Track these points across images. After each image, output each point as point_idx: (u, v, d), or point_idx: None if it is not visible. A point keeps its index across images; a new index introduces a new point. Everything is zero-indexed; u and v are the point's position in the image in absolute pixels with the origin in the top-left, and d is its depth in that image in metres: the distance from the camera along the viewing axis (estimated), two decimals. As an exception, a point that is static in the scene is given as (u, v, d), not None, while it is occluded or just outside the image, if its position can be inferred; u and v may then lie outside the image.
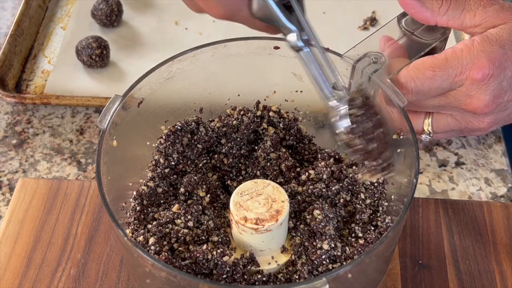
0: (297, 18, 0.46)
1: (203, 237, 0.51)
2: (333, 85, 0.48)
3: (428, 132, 0.55)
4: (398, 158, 0.53)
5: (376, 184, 0.52)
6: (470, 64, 0.49)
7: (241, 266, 0.48)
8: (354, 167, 0.54)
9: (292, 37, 0.46)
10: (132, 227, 0.51)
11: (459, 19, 0.50)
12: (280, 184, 0.53)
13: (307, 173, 0.54)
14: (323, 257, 0.49)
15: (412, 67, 0.50)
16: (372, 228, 0.51)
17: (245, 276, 0.48)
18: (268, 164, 0.55)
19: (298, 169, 0.55)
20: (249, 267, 0.49)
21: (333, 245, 0.49)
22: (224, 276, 0.48)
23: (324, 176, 0.53)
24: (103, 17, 0.80)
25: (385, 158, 0.46)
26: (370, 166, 0.47)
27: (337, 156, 0.55)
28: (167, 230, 0.50)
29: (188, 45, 0.56)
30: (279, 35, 0.50)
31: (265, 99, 0.58)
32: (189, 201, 0.53)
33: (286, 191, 0.51)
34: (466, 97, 0.50)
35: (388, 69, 0.50)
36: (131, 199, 0.53)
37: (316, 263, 0.49)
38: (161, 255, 0.48)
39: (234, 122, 0.56)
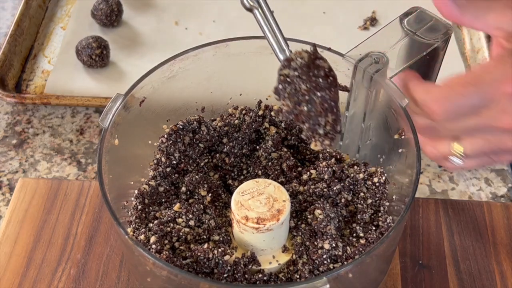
0: None
1: (204, 236, 0.51)
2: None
3: (459, 155, 0.51)
4: (399, 158, 0.53)
5: (377, 184, 0.52)
6: (504, 78, 0.46)
7: (242, 266, 0.48)
8: (355, 167, 0.54)
9: None
10: (133, 225, 0.51)
11: (483, 19, 0.48)
12: (282, 183, 0.53)
13: (308, 173, 0.54)
14: (324, 256, 0.49)
15: (442, 85, 0.47)
16: (373, 228, 0.51)
17: (246, 276, 0.48)
18: (270, 163, 0.55)
19: (300, 168, 0.55)
20: (250, 266, 0.49)
21: (334, 245, 0.49)
22: (225, 275, 0.48)
23: (326, 176, 0.53)
24: (103, 17, 0.80)
25: (325, 123, 0.44)
26: (307, 131, 0.45)
27: (338, 156, 0.55)
28: (168, 229, 0.50)
29: (188, 45, 0.56)
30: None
31: (267, 99, 0.58)
32: (190, 200, 0.53)
33: (288, 190, 0.51)
34: (501, 113, 0.47)
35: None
36: (132, 198, 0.53)
37: (317, 262, 0.49)
38: (162, 254, 0.48)
39: (236, 121, 0.56)
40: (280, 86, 0.45)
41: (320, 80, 0.43)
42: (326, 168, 0.53)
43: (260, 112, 0.57)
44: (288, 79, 0.44)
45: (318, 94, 0.43)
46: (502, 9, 0.48)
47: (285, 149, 0.56)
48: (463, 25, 0.48)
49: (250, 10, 0.46)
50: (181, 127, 0.55)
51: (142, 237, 0.49)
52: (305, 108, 0.44)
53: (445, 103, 0.47)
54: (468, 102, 0.47)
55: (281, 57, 0.45)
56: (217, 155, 0.56)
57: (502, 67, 0.47)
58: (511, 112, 0.47)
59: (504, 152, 0.50)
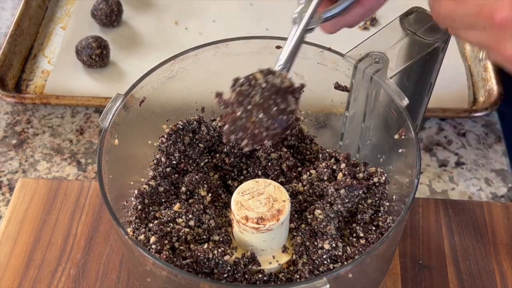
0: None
1: (204, 236, 0.51)
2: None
3: None
4: (399, 158, 0.53)
5: (377, 184, 0.52)
6: None
7: (242, 266, 0.48)
8: (356, 167, 0.54)
9: (297, 10, 0.47)
10: (133, 226, 0.51)
11: None
12: (282, 183, 0.53)
13: (308, 173, 0.54)
14: (324, 256, 0.49)
15: None
16: (373, 228, 0.51)
17: (246, 276, 0.48)
18: (270, 164, 0.55)
19: (300, 169, 0.55)
20: (250, 266, 0.49)
21: (334, 245, 0.49)
22: (225, 275, 0.48)
23: (325, 176, 0.53)
24: (103, 17, 0.80)
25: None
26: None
27: (338, 156, 0.55)
28: (168, 229, 0.50)
29: (188, 45, 0.56)
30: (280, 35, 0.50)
31: (266, 99, 0.58)
32: (190, 200, 0.53)
33: (288, 190, 0.51)
34: None
35: None
36: (132, 198, 0.53)
37: (317, 262, 0.49)
38: (162, 254, 0.48)
39: (236, 121, 0.56)
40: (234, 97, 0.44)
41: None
42: (326, 169, 0.53)
43: (260, 112, 0.57)
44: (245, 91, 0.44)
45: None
46: None
47: (285, 149, 0.56)
48: None
49: (293, 22, 0.47)
50: (181, 127, 0.55)
51: (142, 237, 0.49)
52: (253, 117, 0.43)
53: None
54: None
55: (277, 65, 0.46)
56: (217, 155, 0.56)
57: None
58: None
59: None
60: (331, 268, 0.49)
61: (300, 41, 0.47)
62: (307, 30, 0.47)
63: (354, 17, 0.49)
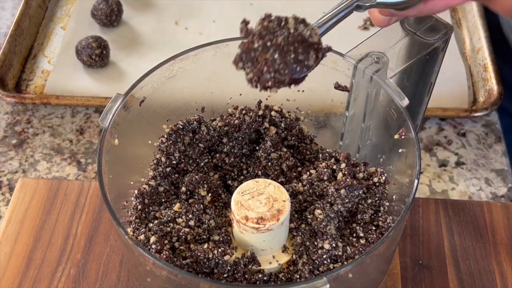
0: None
1: (204, 236, 0.51)
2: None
3: None
4: (399, 158, 0.53)
5: (377, 184, 0.52)
6: None
7: (242, 266, 0.48)
8: (356, 167, 0.54)
9: None
10: (133, 225, 0.51)
11: None
12: (282, 183, 0.53)
13: (308, 173, 0.54)
14: (324, 256, 0.49)
15: None
16: (373, 228, 0.51)
17: (246, 276, 0.48)
18: (270, 163, 0.55)
19: (300, 168, 0.55)
20: (250, 266, 0.49)
21: (334, 245, 0.49)
22: (225, 275, 0.48)
23: (325, 176, 0.53)
24: (103, 17, 0.80)
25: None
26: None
27: (338, 156, 0.55)
28: (168, 229, 0.50)
29: (188, 45, 0.56)
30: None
31: (267, 99, 0.58)
32: (190, 200, 0.53)
33: (288, 190, 0.51)
34: None
35: None
36: (132, 198, 0.53)
37: (317, 262, 0.49)
38: (162, 254, 0.48)
39: (236, 121, 0.56)
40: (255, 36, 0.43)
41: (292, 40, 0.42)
42: (326, 169, 0.53)
43: (260, 112, 0.57)
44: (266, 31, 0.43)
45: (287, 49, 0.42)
46: None
47: (285, 149, 0.56)
48: None
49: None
50: (181, 127, 0.55)
51: (142, 237, 0.49)
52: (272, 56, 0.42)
53: None
54: None
55: (319, 30, 0.45)
56: (217, 155, 0.56)
57: None
58: None
59: None
60: (331, 268, 0.49)
61: (345, 12, 0.45)
62: (358, 6, 0.45)
63: (411, 12, 0.47)
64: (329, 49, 0.43)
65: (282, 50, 0.41)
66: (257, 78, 0.42)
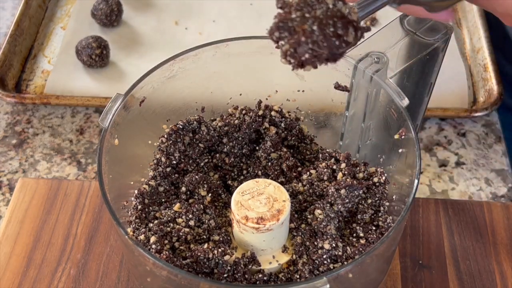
0: None
1: (204, 236, 0.51)
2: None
3: None
4: (399, 158, 0.53)
5: (377, 184, 0.52)
6: None
7: (242, 266, 0.48)
8: (356, 167, 0.54)
9: None
10: (133, 225, 0.51)
11: None
12: (282, 183, 0.53)
13: (308, 173, 0.54)
14: (324, 256, 0.49)
15: None
16: (374, 228, 0.51)
17: (246, 276, 0.48)
18: (270, 163, 0.55)
19: (300, 168, 0.55)
20: (250, 266, 0.49)
21: (334, 245, 0.49)
22: (225, 275, 0.48)
23: (325, 176, 0.53)
24: (103, 17, 0.80)
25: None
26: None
27: (338, 156, 0.55)
28: (168, 229, 0.50)
29: (188, 45, 0.56)
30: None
31: (267, 99, 0.58)
32: (190, 200, 0.53)
33: (288, 190, 0.51)
34: None
35: None
36: (132, 198, 0.53)
37: (317, 262, 0.49)
38: (162, 254, 0.48)
39: (236, 121, 0.56)
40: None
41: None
42: (326, 169, 0.53)
43: (260, 112, 0.57)
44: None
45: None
46: None
47: (285, 149, 0.56)
48: None
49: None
50: (181, 127, 0.55)
51: (142, 237, 0.49)
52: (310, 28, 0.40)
53: None
54: None
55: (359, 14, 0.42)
56: (217, 155, 0.56)
57: None
58: None
59: None
60: (331, 268, 0.49)
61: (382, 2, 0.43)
62: None
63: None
64: (368, 28, 0.41)
65: (321, 22, 0.39)
66: (293, 50, 0.39)
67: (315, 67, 0.40)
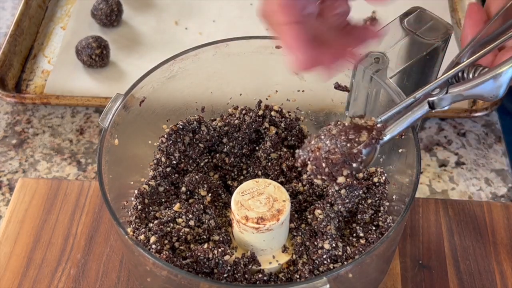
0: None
1: (204, 236, 0.51)
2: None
3: None
4: (399, 158, 0.53)
5: (377, 184, 0.52)
6: None
7: (242, 265, 0.48)
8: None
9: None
10: (133, 225, 0.51)
11: None
12: (282, 183, 0.53)
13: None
14: (324, 256, 0.49)
15: None
16: (373, 228, 0.51)
17: (246, 276, 0.48)
18: (269, 163, 0.55)
19: (300, 168, 0.55)
20: (250, 266, 0.49)
21: (334, 245, 0.49)
22: (225, 275, 0.48)
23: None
24: (103, 17, 0.80)
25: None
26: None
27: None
28: (168, 229, 0.50)
29: (188, 45, 0.56)
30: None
31: (267, 99, 0.58)
32: (190, 200, 0.53)
33: (288, 190, 0.51)
34: None
35: None
36: (132, 198, 0.53)
37: (317, 262, 0.49)
38: (162, 254, 0.48)
39: (236, 121, 0.56)
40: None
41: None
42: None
43: (260, 112, 0.57)
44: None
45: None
46: None
47: (285, 149, 0.56)
48: None
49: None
50: (181, 127, 0.55)
51: (142, 237, 0.49)
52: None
53: None
54: None
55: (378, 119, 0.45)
56: (217, 155, 0.56)
57: None
58: None
59: None
60: (331, 268, 0.49)
61: (410, 102, 0.45)
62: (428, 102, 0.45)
63: None
64: (383, 127, 0.43)
65: (334, 137, 0.43)
66: (314, 166, 0.43)
67: (338, 172, 0.43)
